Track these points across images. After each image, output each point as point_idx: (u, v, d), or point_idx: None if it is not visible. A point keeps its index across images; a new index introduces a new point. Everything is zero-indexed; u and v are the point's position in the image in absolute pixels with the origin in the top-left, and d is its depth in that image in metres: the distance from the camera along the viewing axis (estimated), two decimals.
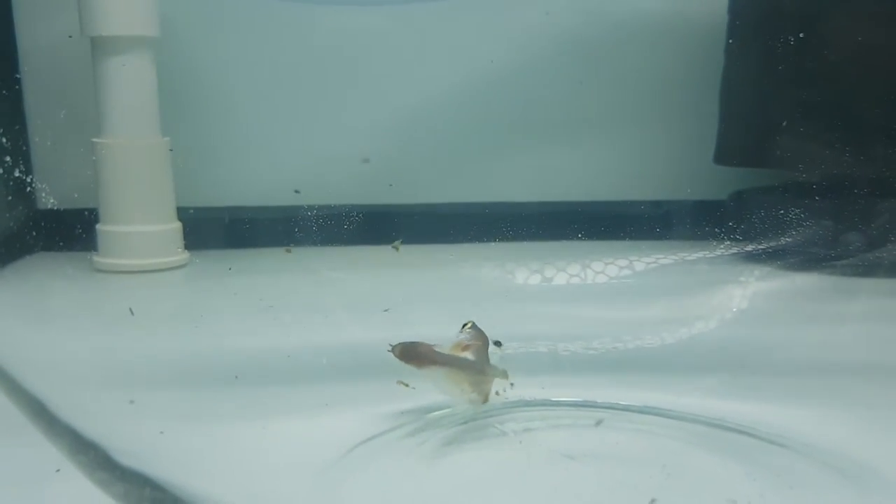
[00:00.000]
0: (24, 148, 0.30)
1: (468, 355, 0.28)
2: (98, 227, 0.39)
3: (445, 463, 0.26)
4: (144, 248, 0.39)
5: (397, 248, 0.30)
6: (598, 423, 0.28)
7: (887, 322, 0.32)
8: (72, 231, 0.34)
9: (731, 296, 0.34)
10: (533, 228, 0.36)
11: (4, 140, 0.27)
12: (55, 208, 0.29)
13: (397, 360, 0.27)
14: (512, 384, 0.29)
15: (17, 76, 0.34)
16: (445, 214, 0.42)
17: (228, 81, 0.43)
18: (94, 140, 0.40)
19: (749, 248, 0.34)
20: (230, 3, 0.41)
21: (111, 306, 0.32)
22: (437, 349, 0.27)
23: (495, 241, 0.35)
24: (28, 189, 0.28)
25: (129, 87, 0.41)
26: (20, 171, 0.27)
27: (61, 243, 0.32)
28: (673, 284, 0.35)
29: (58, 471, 0.25)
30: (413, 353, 0.27)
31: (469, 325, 0.29)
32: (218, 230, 0.38)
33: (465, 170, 0.46)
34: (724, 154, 0.45)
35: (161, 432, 0.23)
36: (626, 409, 0.29)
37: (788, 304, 0.34)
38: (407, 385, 0.29)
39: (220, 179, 0.42)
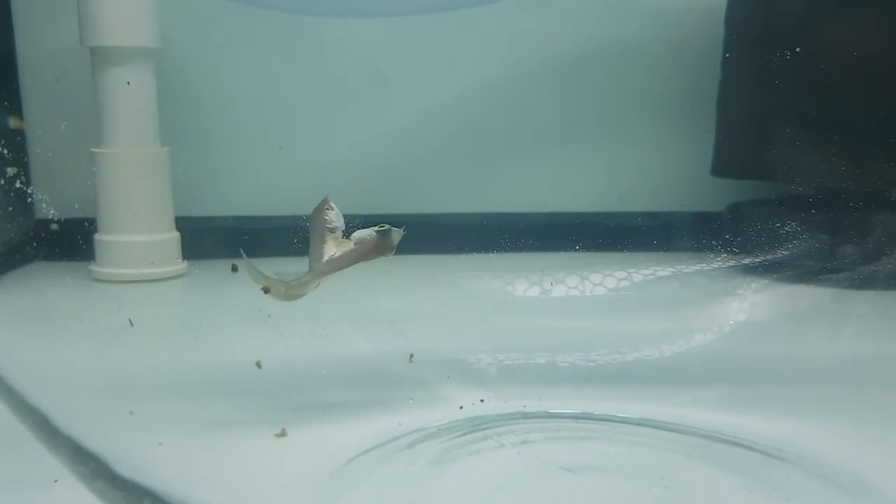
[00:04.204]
0: (24, 158, 0.30)
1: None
2: (96, 236, 0.39)
3: (443, 475, 0.26)
4: (143, 257, 0.39)
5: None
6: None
7: (883, 334, 0.32)
8: (71, 241, 0.34)
9: (728, 308, 0.34)
10: (532, 240, 0.36)
11: (5, 150, 0.27)
12: (55, 218, 0.29)
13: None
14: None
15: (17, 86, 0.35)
16: (444, 225, 0.42)
17: (229, 92, 0.43)
18: (94, 150, 0.40)
19: (746, 260, 0.34)
20: (231, 15, 0.41)
21: (110, 316, 0.32)
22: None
23: (494, 252, 0.35)
24: (28, 199, 0.28)
25: (129, 97, 0.41)
26: (20, 182, 0.27)
27: (60, 253, 0.32)
28: (671, 296, 0.35)
29: (56, 481, 0.25)
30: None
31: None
32: (216, 240, 0.38)
33: (464, 181, 0.46)
34: (722, 166, 0.45)
35: (160, 443, 0.23)
36: (624, 421, 0.29)
37: (785, 316, 0.34)
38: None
39: (220, 189, 0.42)
